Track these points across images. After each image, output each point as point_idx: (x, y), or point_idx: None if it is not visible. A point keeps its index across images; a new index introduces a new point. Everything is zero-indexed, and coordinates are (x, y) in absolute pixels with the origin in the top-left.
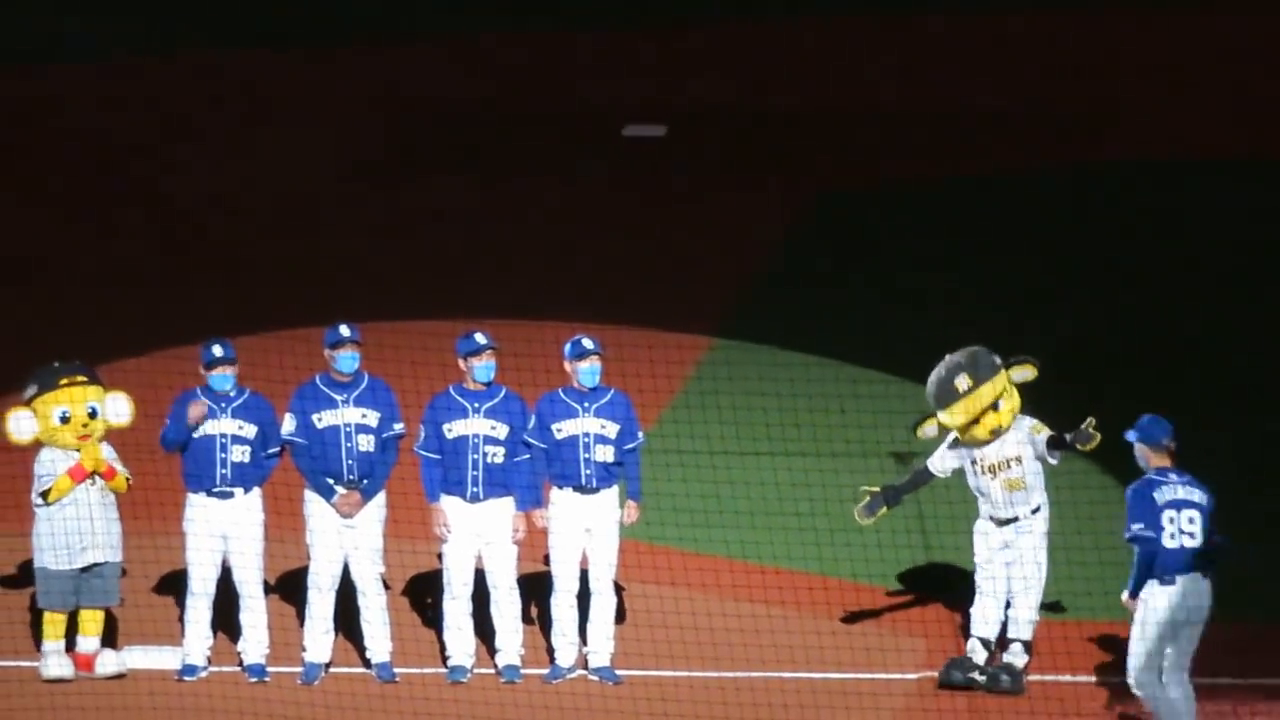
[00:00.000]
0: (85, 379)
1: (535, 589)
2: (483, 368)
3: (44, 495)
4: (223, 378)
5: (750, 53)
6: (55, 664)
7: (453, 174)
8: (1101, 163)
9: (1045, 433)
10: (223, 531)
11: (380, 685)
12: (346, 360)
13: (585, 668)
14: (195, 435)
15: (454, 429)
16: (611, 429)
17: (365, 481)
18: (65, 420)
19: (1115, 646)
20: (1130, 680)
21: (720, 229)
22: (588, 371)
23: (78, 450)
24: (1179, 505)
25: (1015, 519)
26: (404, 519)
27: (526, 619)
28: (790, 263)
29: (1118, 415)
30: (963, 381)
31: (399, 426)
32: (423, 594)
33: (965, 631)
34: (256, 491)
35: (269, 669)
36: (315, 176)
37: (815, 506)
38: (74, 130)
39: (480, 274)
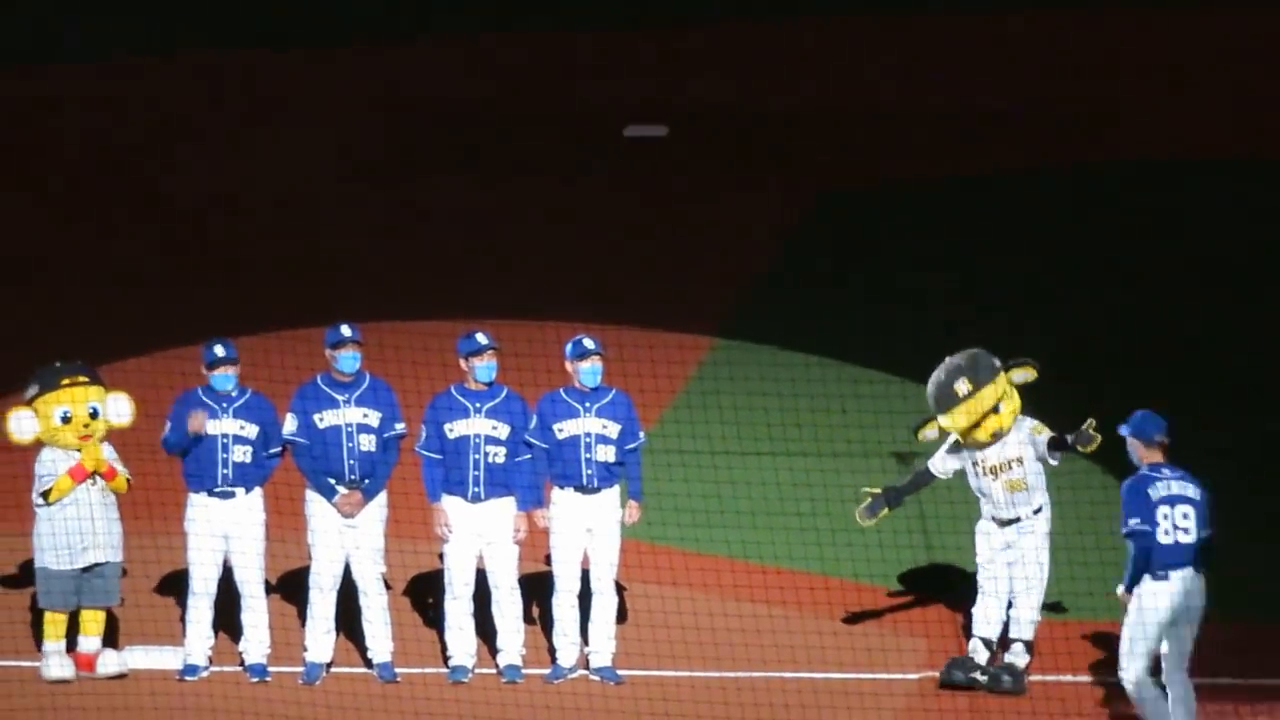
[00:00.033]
0: (87, 379)
1: (536, 589)
2: (484, 368)
3: (45, 495)
4: (225, 378)
5: (750, 53)
6: (57, 664)
7: (453, 174)
8: (1101, 163)
9: (1046, 434)
10: (224, 531)
11: (382, 685)
12: (348, 360)
13: (587, 668)
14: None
15: (455, 429)
16: (613, 429)
17: (366, 481)
18: (66, 420)
19: (1116, 647)
20: (1121, 675)
21: (721, 229)
22: (589, 371)
23: (79, 450)
24: (1173, 500)
25: (1017, 519)
26: (405, 519)
27: (528, 619)
28: (791, 263)
29: (1118, 415)
30: (962, 385)
31: (400, 426)
32: (424, 594)
33: (967, 631)
34: (258, 491)
35: (270, 669)
36: (315, 176)
37: (816, 506)
38: (74, 130)
39: (481, 274)
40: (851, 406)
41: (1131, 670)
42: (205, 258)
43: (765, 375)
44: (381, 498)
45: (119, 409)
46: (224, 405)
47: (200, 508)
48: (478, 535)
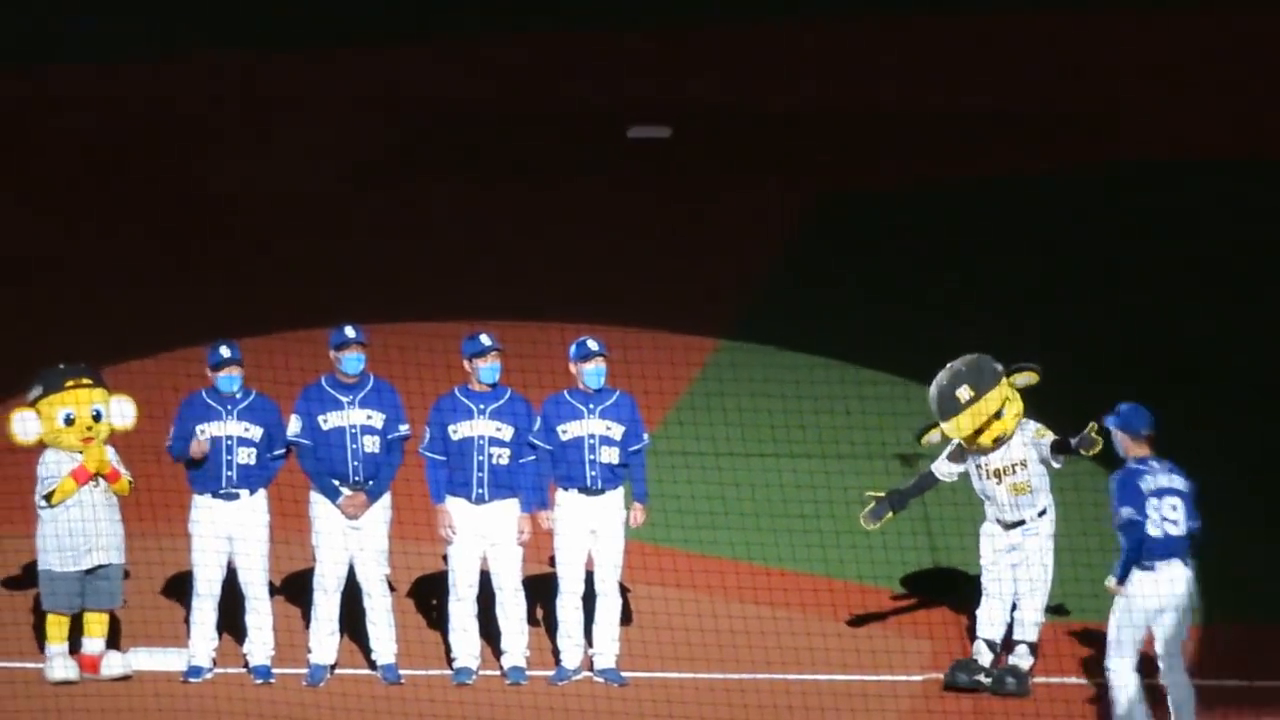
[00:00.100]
0: (91, 381)
1: (540, 590)
2: (488, 369)
3: (48, 497)
4: (229, 379)
5: (750, 53)
6: (60, 666)
7: (453, 174)
8: (1101, 163)
9: (1049, 437)
10: (228, 533)
11: (385, 687)
12: (351, 361)
13: (590, 669)
14: (201, 438)
15: (459, 430)
16: (617, 430)
17: (370, 483)
18: (70, 422)
19: None
20: (1107, 666)
21: (721, 229)
22: (593, 373)
23: (81, 452)
24: (1162, 493)
25: (1021, 522)
26: (409, 520)
27: (532, 620)
28: (792, 264)
29: None
30: (965, 392)
31: (404, 428)
32: (428, 595)
33: (971, 633)
34: (262, 493)
35: (274, 670)
36: (315, 176)
37: (820, 508)
38: (74, 130)
39: (482, 275)
40: (855, 408)
41: (1117, 662)
42: (206, 258)
43: (769, 377)
44: (385, 499)
45: (122, 411)
46: (228, 407)
47: (204, 509)
48: (482, 537)
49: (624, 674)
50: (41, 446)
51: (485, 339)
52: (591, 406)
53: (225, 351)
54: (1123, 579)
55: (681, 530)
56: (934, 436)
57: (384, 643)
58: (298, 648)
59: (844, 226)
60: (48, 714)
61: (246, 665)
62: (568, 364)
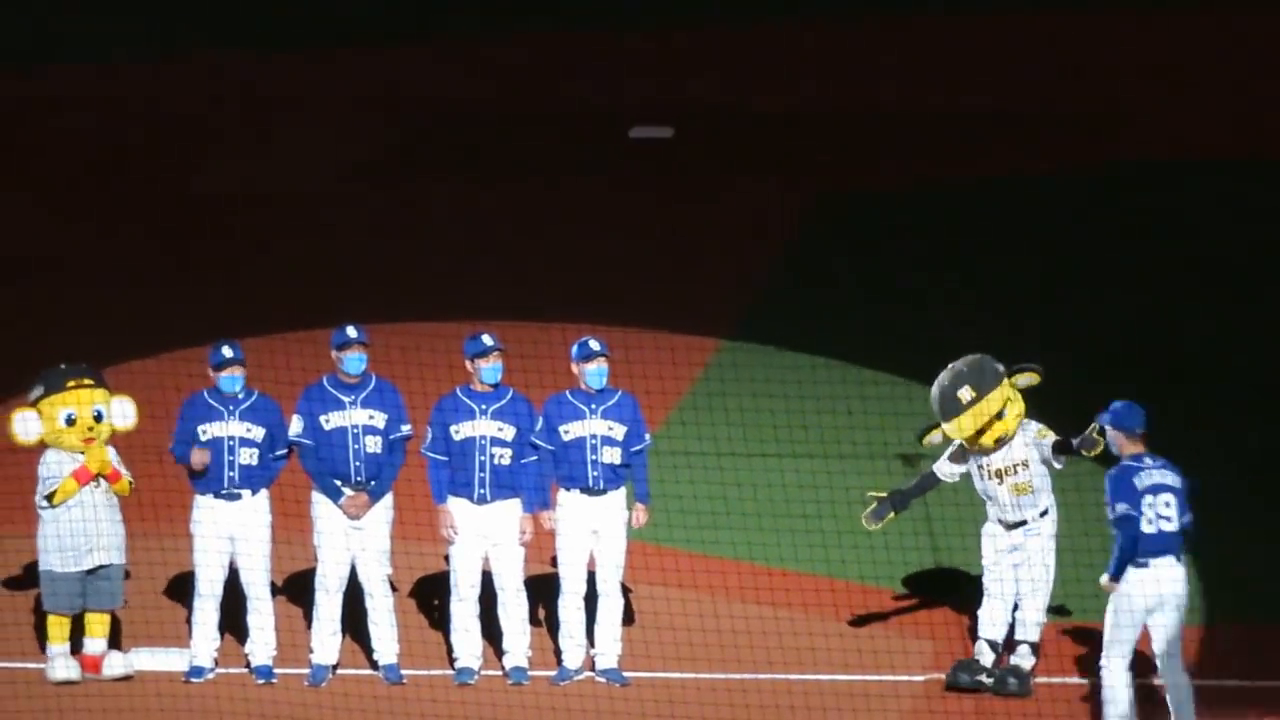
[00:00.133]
0: (92, 382)
1: (542, 591)
2: (490, 369)
3: (49, 498)
4: (232, 379)
5: (750, 53)
6: (62, 666)
7: (453, 174)
8: (1101, 163)
9: (1050, 437)
10: (230, 533)
11: (387, 687)
12: (353, 361)
13: (592, 669)
14: (204, 439)
15: (461, 430)
16: (619, 431)
17: (372, 483)
18: (71, 422)
19: None
20: (1101, 664)
21: (722, 230)
22: (595, 373)
23: (82, 453)
24: (1156, 490)
25: (1023, 522)
26: (411, 520)
27: (534, 621)
28: (792, 264)
29: None
30: (966, 393)
31: (406, 428)
32: (430, 596)
33: (973, 634)
34: (264, 493)
35: (276, 671)
36: (315, 176)
37: (823, 508)
38: (74, 130)
39: (482, 275)
40: (857, 408)
41: (1111, 660)
42: (206, 258)
43: (771, 377)
44: (387, 499)
45: (124, 412)
46: (230, 407)
47: (206, 509)
48: (483, 537)
49: (626, 674)
50: (42, 447)
51: (487, 339)
52: (593, 407)
53: (227, 352)
54: (1117, 575)
55: (683, 530)
56: (935, 437)
57: (386, 643)
58: (300, 648)
59: (844, 226)
60: (49, 714)
61: (248, 665)
62: (569, 364)
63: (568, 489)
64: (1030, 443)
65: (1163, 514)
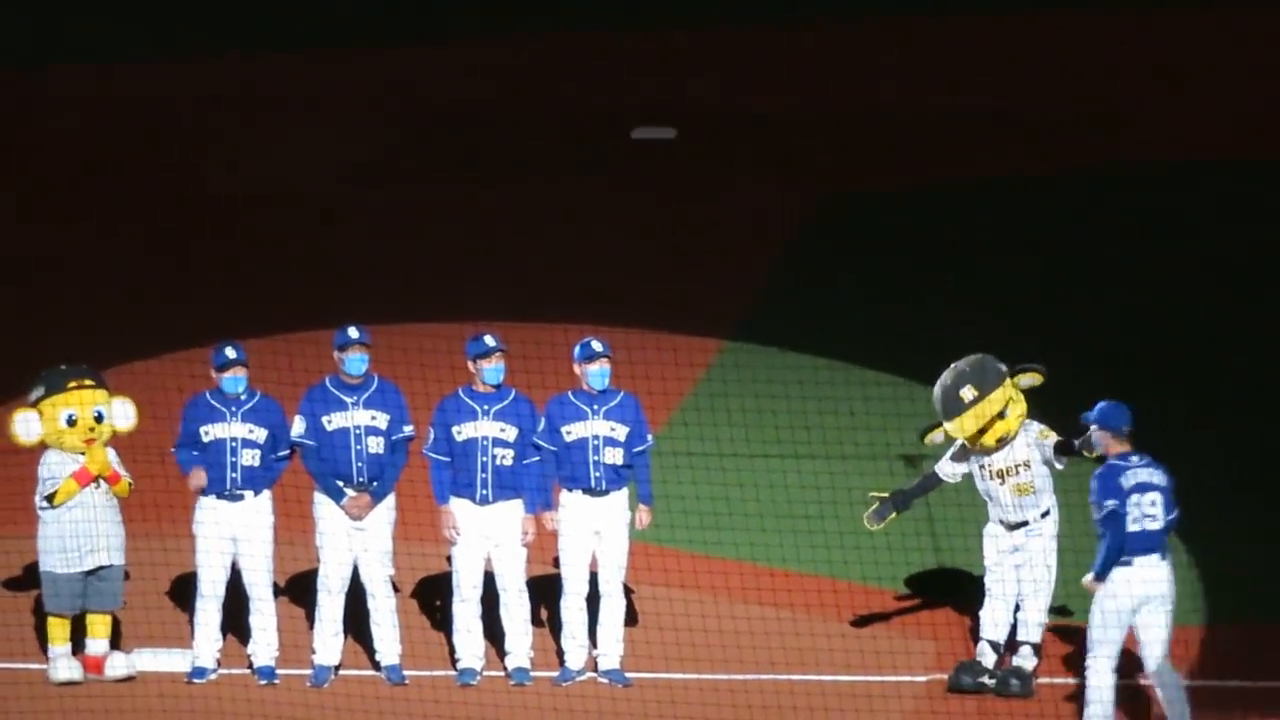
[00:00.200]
0: (93, 383)
1: (545, 591)
2: (492, 370)
3: (49, 498)
4: (235, 380)
5: (751, 53)
6: (64, 667)
7: (453, 174)
8: (1102, 163)
9: (1052, 438)
10: (232, 534)
11: (389, 688)
12: (355, 362)
13: (595, 670)
14: (206, 440)
15: (463, 431)
16: (621, 431)
17: (375, 484)
18: (72, 423)
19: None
20: (1087, 664)
21: (723, 230)
22: (597, 374)
23: (82, 454)
24: (1142, 489)
25: (1025, 523)
26: (413, 521)
27: (536, 621)
28: (793, 264)
29: None
30: (968, 392)
31: (408, 429)
32: (432, 596)
33: (975, 634)
34: (266, 494)
35: (278, 671)
36: (315, 176)
37: (825, 509)
38: (74, 130)
39: (483, 275)
40: (860, 409)
41: (1097, 660)
42: (206, 258)
43: (773, 378)
44: (389, 500)
45: (124, 413)
46: (233, 408)
47: (209, 510)
48: (486, 538)
49: (628, 675)
50: (43, 447)
51: (489, 340)
52: (596, 407)
53: (230, 353)
54: (1102, 575)
55: (686, 531)
56: (937, 437)
57: (388, 643)
58: (302, 648)
59: (844, 226)
60: (51, 715)
61: (251, 666)
62: (571, 365)
63: (570, 490)
64: (1032, 443)
65: (1148, 512)
